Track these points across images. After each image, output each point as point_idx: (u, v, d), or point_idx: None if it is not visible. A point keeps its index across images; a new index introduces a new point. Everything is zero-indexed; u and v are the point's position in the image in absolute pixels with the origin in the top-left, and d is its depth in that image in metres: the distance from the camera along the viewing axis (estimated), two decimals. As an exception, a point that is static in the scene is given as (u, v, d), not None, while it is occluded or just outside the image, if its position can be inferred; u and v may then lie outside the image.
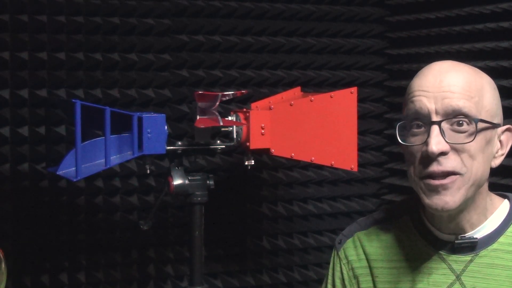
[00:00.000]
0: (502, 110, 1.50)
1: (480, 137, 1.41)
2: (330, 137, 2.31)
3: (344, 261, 1.61)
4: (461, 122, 1.40)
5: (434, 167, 1.40)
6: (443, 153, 1.39)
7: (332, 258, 1.65)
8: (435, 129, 1.39)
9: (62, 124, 2.50)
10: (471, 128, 1.40)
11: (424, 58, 2.82)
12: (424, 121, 1.42)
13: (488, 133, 1.43)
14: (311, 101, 2.30)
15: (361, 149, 2.90)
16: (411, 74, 2.96)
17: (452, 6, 2.72)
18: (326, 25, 2.92)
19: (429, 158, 1.40)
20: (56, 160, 2.25)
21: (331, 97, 2.33)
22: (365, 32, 3.01)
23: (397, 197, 2.97)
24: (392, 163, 3.04)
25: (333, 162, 2.35)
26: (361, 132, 2.89)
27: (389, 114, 3.05)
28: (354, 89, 2.37)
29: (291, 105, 2.27)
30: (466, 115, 1.40)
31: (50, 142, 2.50)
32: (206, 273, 2.51)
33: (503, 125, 1.49)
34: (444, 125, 1.40)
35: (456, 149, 1.40)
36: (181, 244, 2.68)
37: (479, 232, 1.48)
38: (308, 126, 2.28)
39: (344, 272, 1.60)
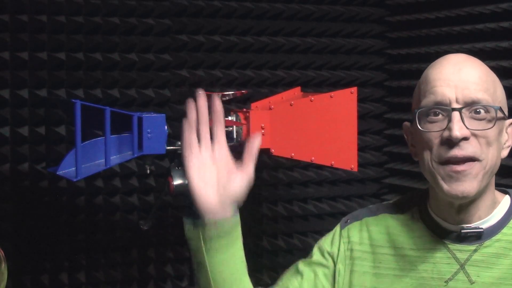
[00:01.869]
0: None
1: (496, 126, 1.46)
2: (330, 137, 2.31)
3: (345, 239, 1.62)
4: (478, 110, 1.44)
5: (456, 151, 1.43)
6: (465, 139, 1.43)
7: (333, 231, 1.66)
8: (456, 115, 1.43)
9: (62, 124, 2.50)
10: (488, 116, 1.45)
11: (424, 58, 2.82)
12: (444, 109, 1.46)
13: (501, 123, 1.48)
14: (311, 101, 2.30)
15: (361, 149, 2.90)
16: (411, 74, 2.99)
17: (452, 6, 2.72)
18: (326, 25, 2.92)
19: (450, 143, 1.43)
20: (56, 160, 2.24)
21: (331, 97, 2.33)
22: (365, 32, 3.01)
23: (397, 197, 2.96)
24: (392, 163, 3.04)
25: (333, 162, 2.34)
26: (361, 132, 2.89)
27: (389, 114, 3.05)
28: (354, 89, 2.36)
29: (291, 105, 2.27)
30: (483, 106, 1.45)
31: (50, 142, 2.50)
32: (206, 273, 2.50)
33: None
34: (465, 112, 1.44)
35: (475, 136, 1.44)
36: (181, 244, 2.68)
37: (485, 223, 1.50)
38: (308, 126, 2.28)
39: (341, 249, 1.62)
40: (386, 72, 3.07)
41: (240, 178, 1.49)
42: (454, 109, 1.44)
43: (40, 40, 2.45)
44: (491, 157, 1.45)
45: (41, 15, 2.45)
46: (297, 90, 2.59)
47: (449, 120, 1.43)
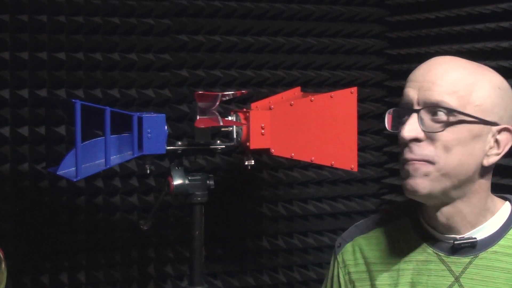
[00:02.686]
0: (508, 112, 1.48)
1: (459, 130, 1.42)
2: (330, 137, 2.31)
3: (342, 265, 1.61)
4: (436, 111, 1.43)
5: (407, 154, 1.45)
6: (416, 140, 1.43)
7: (331, 260, 1.65)
8: (413, 116, 1.44)
9: (62, 124, 2.50)
10: (451, 118, 1.43)
11: (424, 58, 2.79)
12: (407, 110, 1.46)
13: (474, 128, 1.43)
14: (311, 101, 2.30)
15: (361, 149, 2.90)
16: (411, 74, 2.96)
17: (452, 6, 2.72)
18: (326, 25, 2.92)
19: (404, 144, 1.45)
20: (56, 160, 2.24)
21: (331, 97, 2.33)
22: (365, 32, 3.01)
23: (397, 197, 2.97)
24: (392, 163, 3.04)
25: (333, 162, 2.34)
26: (361, 132, 2.89)
27: (389, 114, 3.05)
28: (354, 89, 2.36)
29: (291, 105, 2.27)
30: (444, 107, 1.43)
31: (50, 142, 2.50)
32: (206, 273, 2.51)
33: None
34: (424, 114, 1.44)
35: (431, 138, 1.43)
36: (181, 244, 2.68)
37: (479, 233, 1.48)
38: (308, 126, 2.28)
39: (341, 276, 1.61)
40: (386, 72, 3.07)
41: None
42: (413, 110, 1.44)
43: (40, 40, 2.45)
44: (450, 162, 1.42)
45: (41, 15, 2.45)
46: (297, 90, 2.59)
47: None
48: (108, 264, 2.60)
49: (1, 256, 1.57)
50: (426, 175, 1.43)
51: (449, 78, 1.44)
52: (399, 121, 1.49)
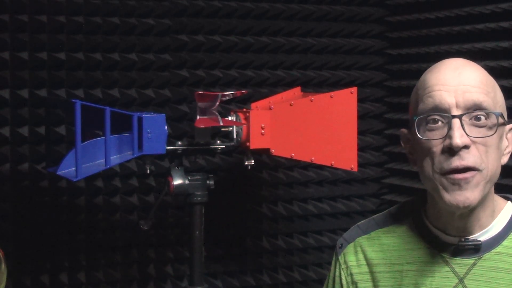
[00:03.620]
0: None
1: (498, 132, 1.41)
2: (330, 137, 2.31)
3: (343, 266, 1.60)
4: (479, 116, 1.40)
5: (457, 162, 1.39)
6: (466, 147, 1.39)
7: (333, 261, 1.64)
8: (456, 122, 1.39)
9: (62, 124, 2.50)
10: (489, 122, 1.40)
11: (424, 58, 2.82)
12: (444, 115, 1.41)
13: (501, 129, 1.43)
14: (311, 101, 2.30)
15: (361, 149, 2.90)
16: (411, 74, 2.98)
17: (452, 6, 2.72)
18: (326, 25, 2.92)
19: (451, 152, 1.39)
20: (56, 160, 2.24)
21: (331, 97, 2.33)
22: (365, 32, 3.01)
23: (397, 197, 2.97)
24: (392, 163, 3.04)
25: (333, 162, 2.35)
26: (361, 132, 2.89)
27: (389, 114, 3.05)
28: (354, 89, 2.37)
29: (291, 105, 2.27)
30: (485, 110, 1.40)
31: (50, 142, 2.50)
32: (206, 273, 2.51)
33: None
34: (465, 119, 1.40)
35: (475, 143, 1.40)
36: (181, 244, 2.68)
37: (484, 234, 1.47)
38: (308, 126, 2.28)
39: (343, 277, 1.60)
40: (386, 72, 3.07)
41: None
42: (454, 116, 1.39)
43: (40, 40, 2.45)
44: (491, 166, 1.41)
45: (41, 15, 2.45)
46: (297, 90, 2.59)
47: (449, 128, 1.38)
48: (108, 264, 2.60)
49: (1, 256, 1.57)
50: (476, 186, 1.39)
51: (481, 79, 1.42)
52: (423, 128, 1.43)
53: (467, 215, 1.44)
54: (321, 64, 2.92)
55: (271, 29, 2.82)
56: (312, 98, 2.30)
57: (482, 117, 1.40)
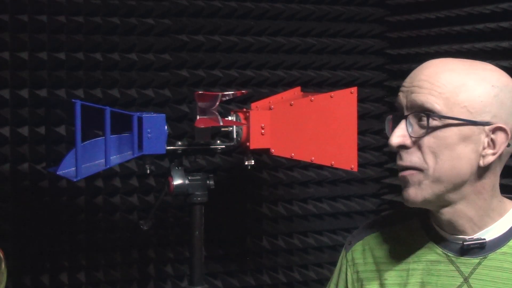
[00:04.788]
0: (505, 110, 1.43)
1: (445, 134, 1.40)
2: (330, 137, 2.31)
3: (350, 263, 1.61)
4: (421, 116, 1.41)
5: (398, 161, 1.46)
6: (404, 147, 1.43)
7: (340, 257, 1.65)
8: (402, 122, 1.43)
9: (62, 124, 2.50)
10: (437, 123, 1.40)
11: (424, 58, 2.79)
12: (398, 116, 1.46)
13: (463, 130, 1.40)
14: (311, 101, 2.30)
15: (361, 149, 2.90)
16: (411, 74, 2.96)
17: (452, 6, 2.72)
18: (326, 25, 2.92)
19: (396, 152, 1.45)
20: (56, 160, 2.24)
21: (331, 97, 2.33)
22: (365, 32, 3.01)
23: (397, 197, 2.97)
24: (392, 163, 3.04)
25: (333, 162, 2.34)
26: (361, 132, 2.89)
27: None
28: (354, 89, 2.36)
29: (291, 105, 2.27)
30: (430, 111, 1.40)
31: (50, 142, 2.50)
32: (206, 273, 2.51)
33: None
34: (412, 119, 1.42)
35: (418, 145, 1.42)
36: (181, 244, 2.68)
37: (488, 233, 1.46)
38: (308, 126, 2.28)
39: (349, 274, 1.61)
40: (386, 72, 3.07)
41: None
42: (402, 117, 1.43)
43: (40, 40, 2.45)
44: (439, 167, 1.40)
45: (41, 15, 2.45)
46: (297, 90, 2.59)
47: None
48: (108, 264, 2.60)
49: (1, 256, 1.57)
50: (417, 183, 1.43)
51: (436, 81, 1.42)
52: (394, 127, 1.47)
53: (451, 215, 1.46)
54: (321, 64, 2.92)
55: (271, 29, 2.82)
56: (312, 98, 2.30)
57: (425, 118, 1.41)
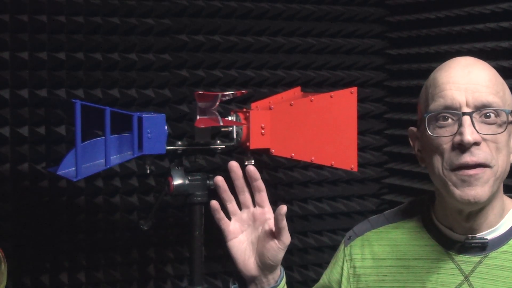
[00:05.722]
0: None
1: (507, 130, 1.42)
2: (330, 137, 2.31)
3: (348, 257, 1.61)
4: (488, 114, 1.41)
5: (467, 158, 1.39)
6: (476, 143, 1.40)
7: (338, 250, 1.66)
8: (467, 119, 1.40)
9: (62, 124, 2.50)
10: (499, 120, 1.41)
11: (424, 58, 2.82)
12: (454, 113, 1.42)
13: (510, 127, 1.44)
14: (311, 101, 2.30)
15: (361, 149, 2.90)
16: (411, 74, 2.98)
17: (452, 6, 2.72)
18: (326, 25, 2.92)
19: (462, 148, 1.40)
20: (56, 160, 2.25)
21: (331, 97, 2.33)
22: (365, 32, 3.01)
23: (397, 197, 2.97)
24: (392, 163, 3.04)
25: (333, 162, 2.35)
26: (361, 132, 2.89)
27: (389, 114, 3.05)
28: (354, 89, 2.37)
29: (291, 105, 2.27)
30: (494, 109, 1.41)
31: (50, 142, 2.50)
32: (206, 273, 2.51)
33: None
34: (475, 116, 1.41)
35: (485, 141, 1.41)
36: (181, 244, 2.68)
37: (491, 233, 1.47)
38: (308, 126, 2.28)
39: (345, 268, 1.61)
40: (386, 72, 3.07)
41: (276, 247, 1.45)
42: (464, 113, 1.40)
43: (40, 40, 2.45)
44: (501, 163, 1.41)
45: (41, 15, 2.45)
46: (297, 90, 2.59)
47: (460, 125, 1.39)
48: (108, 264, 2.60)
49: (1, 256, 1.57)
50: (486, 182, 1.40)
51: (491, 79, 1.43)
52: (433, 125, 1.43)
53: (476, 213, 1.45)
54: (321, 64, 2.92)
55: (271, 29, 2.82)
56: (312, 98, 2.30)
57: (492, 115, 1.41)
